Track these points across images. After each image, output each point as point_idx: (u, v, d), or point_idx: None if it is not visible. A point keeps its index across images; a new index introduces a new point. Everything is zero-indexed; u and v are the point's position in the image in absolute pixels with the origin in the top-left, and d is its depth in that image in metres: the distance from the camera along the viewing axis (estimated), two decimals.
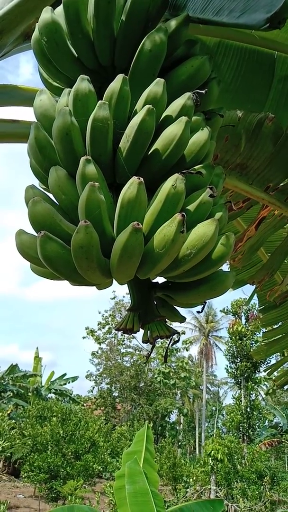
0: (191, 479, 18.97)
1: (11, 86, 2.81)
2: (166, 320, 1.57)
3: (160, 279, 1.65)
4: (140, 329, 1.55)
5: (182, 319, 1.69)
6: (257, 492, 18.79)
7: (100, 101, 1.37)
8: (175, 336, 1.54)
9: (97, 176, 1.36)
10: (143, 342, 1.49)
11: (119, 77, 1.43)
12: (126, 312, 1.57)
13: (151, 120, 1.35)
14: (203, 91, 1.49)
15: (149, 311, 1.53)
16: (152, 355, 36.18)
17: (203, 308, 1.74)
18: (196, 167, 1.47)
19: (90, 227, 1.23)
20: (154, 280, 1.64)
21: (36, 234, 1.54)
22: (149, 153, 1.44)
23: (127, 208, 1.28)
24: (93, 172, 1.36)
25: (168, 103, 1.52)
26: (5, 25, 2.29)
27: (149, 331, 1.47)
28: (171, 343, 1.51)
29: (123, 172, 1.43)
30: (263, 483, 19.24)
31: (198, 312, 1.74)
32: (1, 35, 2.33)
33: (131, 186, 1.26)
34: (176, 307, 1.64)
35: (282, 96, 3.24)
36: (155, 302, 1.60)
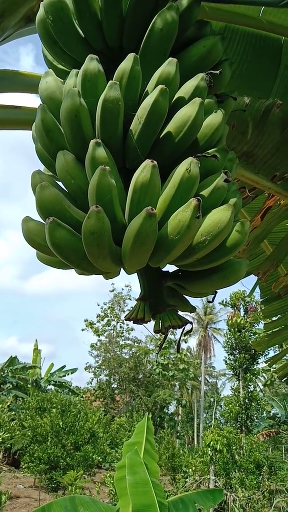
0: (190, 469, 19.13)
1: (12, 71, 2.74)
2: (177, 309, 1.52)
3: (170, 268, 1.61)
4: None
5: (192, 309, 1.65)
6: (255, 482, 18.97)
7: (110, 81, 1.31)
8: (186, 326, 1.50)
9: (107, 159, 1.30)
10: (154, 332, 1.45)
11: (130, 56, 1.37)
12: (135, 301, 1.53)
13: (164, 101, 1.29)
14: (217, 72, 1.43)
15: (160, 301, 1.48)
16: (150, 347, 36.32)
17: (213, 298, 1.70)
18: (209, 150, 1.41)
19: (102, 212, 1.18)
20: (164, 269, 1.59)
21: (42, 221, 1.49)
22: (161, 136, 1.38)
23: (140, 193, 1.22)
24: (103, 155, 1.30)
25: (179, 85, 1.46)
26: (6, 7, 2.22)
27: (160, 321, 1.43)
28: (183, 333, 1.47)
29: (134, 155, 1.37)
30: (262, 473, 19.43)
31: (209, 301, 1.69)
32: (2, 18, 2.26)
33: (144, 170, 1.21)
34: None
35: None
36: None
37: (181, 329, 1.50)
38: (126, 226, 1.31)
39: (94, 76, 1.39)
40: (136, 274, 1.59)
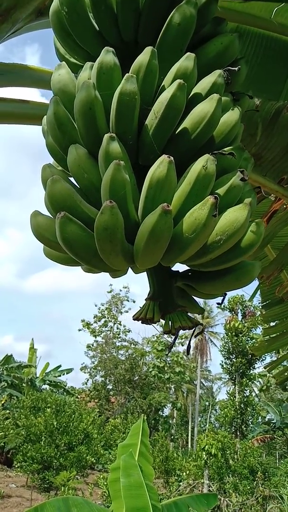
0: (183, 473, 19.05)
1: (21, 65, 2.71)
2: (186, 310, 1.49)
3: (180, 268, 1.58)
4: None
5: (201, 310, 1.62)
6: (249, 487, 18.91)
7: (127, 74, 1.28)
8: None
9: (121, 154, 1.27)
10: (164, 333, 1.41)
11: (148, 49, 1.34)
12: (145, 300, 1.50)
13: (182, 96, 1.26)
14: (235, 69, 1.40)
15: (169, 301, 1.45)
16: (147, 349, 36.24)
17: (223, 300, 1.67)
18: (225, 148, 1.38)
19: (116, 208, 1.15)
20: (174, 269, 1.56)
21: (51, 216, 1.45)
22: (177, 132, 1.35)
23: (156, 189, 1.19)
24: (117, 150, 1.27)
25: (195, 81, 1.43)
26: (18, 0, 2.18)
27: (170, 322, 1.39)
28: (194, 335, 1.43)
29: (149, 151, 1.34)
30: (256, 479, 19.36)
31: (218, 303, 1.66)
32: (14, 9, 2.22)
33: (161, 165, 1.18)
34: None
35: None
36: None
37: (189, 331, 1.47)
38: (138, 223, 1.27)
39: (110, 68, 1.36)
40: (136, 275, 1.56)
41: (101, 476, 15.83)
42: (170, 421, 38.84)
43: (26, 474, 18.22)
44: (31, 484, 18.15)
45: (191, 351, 45.08)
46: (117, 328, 36.46)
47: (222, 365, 28.94)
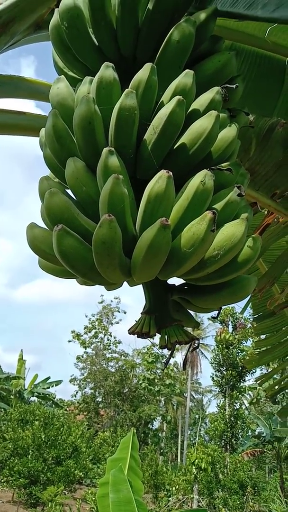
0: (173, 488, 18.79)
1: (18, 77, 2.72)
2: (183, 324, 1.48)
3: (176, 281, 1.57)
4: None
5: (197, 325, 1.61)
6: (238, 502, 18.70)
7: (127, 90, 1.29)
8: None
9: (120, 168, 1.28)
10: (160, 347, 1.40)
11: (147, 65, 1.36)
12: (140, 314, 1.49)
13: (181, 112, 1.28)
14: (233, 86, 1.42)
15: (165, 315, 1.44)
16: (137, 361, 35.97)
17: (218, 313, 1.67)
18: (223, 164, 1.39)
19: (114, 221, 1.15)
20: (170, 282, 1.56)
21: (48, 228, 1.45)
22: (175, 146, 1.36)
23: (154, 203, 1.19)
24: (116, 164, 1.27)
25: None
26: (17, 13, 2.21)
27: (166, 336, 1.39)
28: (190, 350, 1.43)
29: (147, 165, 1.35)
30: (246, 493, 19.17)
31: (213, 317, 1.66)
32: (13, 23, 2.24)
33: (160, 180, 1.18)
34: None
35: None
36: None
37: (176, 346, 1.46)
38: (136, 237, 1.28)
39: (110, 84, 1.38)
40: (128, 287, 1.55)
41: (89, 491, 15.53)
42: (160, 435, 38.42)
43: (12, 489, 17.80)
44: (17, 499, 17.72)
45: (181, 363, 44.85)
46: (108, 340, 36.20)
47: (213, 378, 28.84)
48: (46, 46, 2.08)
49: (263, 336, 5.78)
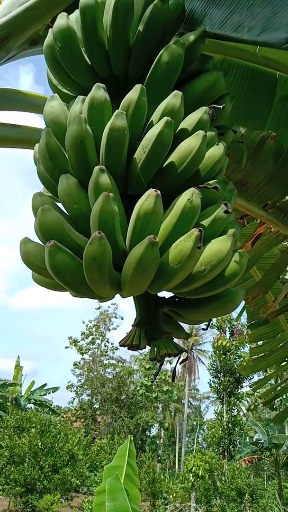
0: (170, 496, 18.67)
1: (13, 90, 2.77)
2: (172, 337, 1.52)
3: (166, 294, 1.61)
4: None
5: (187, 336, 1.65)
6: (236, 510, 18.60)
7: (117, 110, 1.34)
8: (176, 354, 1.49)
9: (111, 186, 1.32)
10: (150, 359, 1.44)
11: (137, 87, 1.41)
12: (131, 327, 1.53)
13: (169, 132, 1.32)
14: (220, 106, 1.48)
15: (155, 328, 1.48)
16: (135, 367, 35.86)
17: (208, 325, 1.71)
18: (210, 182, 1.44)
19: (104, 238, 1.19)
20: (160, 295, 1.60)
21: (41, 243, 1.49)
22: (164, 165, 1.41)
23: (143, 221, 1.24)
24: (107, 182, 1.32)
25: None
26: (13, 29, 2.26)
27: (156, 349, 1.42)
28: (178, 362, 1.46)
29: (137, 183, 1.39)
30: (244, 501, 19.07)
31: (204, 329, 1.70)
32: (8, 39, 2.29)
33: (148, 198, 1.23)
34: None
35: (283, 114, 3.28)
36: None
37: (176, 357, 1.50)
38: (126, 252, 1.32)
39: (101, 104, 1.42)
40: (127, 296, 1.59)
41: (86, 499, 15.43)
42: (157, 442, 38.23)
43: (8, 497, 17.64)
44: (13, 508, 17.56)
45: (180, 370, 44.74)
46: (105, 346, 36.11)
47: (210, 384, 28.78)
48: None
49: (258, 343, 5.82)
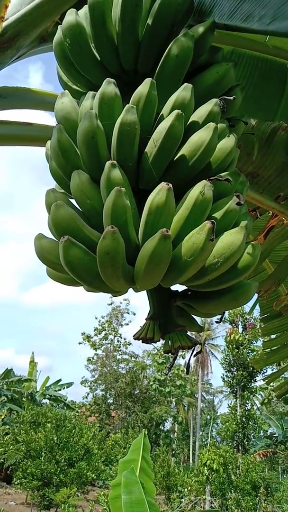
0: (185, 489, 18.77)
1: (24, 88, 2.79)
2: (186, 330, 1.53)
3: (179, 287, 1.62)
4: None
5: (200, 329, 1.66)
6: (251, 503, 18.62)
7: (128, 105, 1.35)
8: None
9: (122, 181, 1.33)
10: (164, 352, 1.45)
11: (147, 81, 1.41)
12: (144, 320, 1.54)
13: (180, 126, 1.33)
14: (231, 98, 1.47)
15: (169, 321, 1.49)
16: (147, 362, 35.98)
17: (221, 318, 1.71)
18: (222, 174, 1.44)
19: (117, 233, 1.20)
20: (173, 288, 1.60)
21: (55, 239, 1.51)
22: (175, 158, 1.41)
23: (155, 215, 1.25)
24: (118, 176, 1.33)
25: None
26: (22, 27, 2.27)
27: (170, 341, 1.43)
28: (192, 354, 1.47)
29: (149, 177, 1.40)
30: (258, 494, 19.07)
31: (217, 322, 1.70)
32: (18, 37, 2.31)
33: (160, 192, 1.23)
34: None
35: None
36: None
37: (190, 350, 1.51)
38: (139, 246, 1.33)
39: (111, 99, 1.43)
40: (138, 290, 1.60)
41: (102, 492, 15.60)
42: (171, 436, 38.38)
43: (25, 491, 17.95)
44: (30, 501, 17.88)
45: (192, 364, 44.77)
46: (118, 341, 36.28)
47: (223, 378, 28.75)
48: (53, 54, 2.13)
49: (272, 336, 5.79)
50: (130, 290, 1.63)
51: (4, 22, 2.23)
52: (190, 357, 1.50)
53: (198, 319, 1.68)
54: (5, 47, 2.30)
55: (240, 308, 28.21)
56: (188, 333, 1.52)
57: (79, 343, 36.22)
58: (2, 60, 2.32)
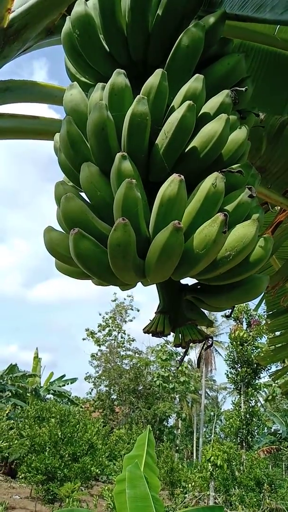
0: (189, 485, 18.83)
1: (31, 82, 2.77)
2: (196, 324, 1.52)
3: (189, 281, 1.61)
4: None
5: (210, 323, 1.64)
6: (255, 500, 18.65)
7: (138, 96, 1.33)
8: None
9: (133, 172, 1.32)
10: (175, 346, 1.44)
11: (158, 71, 1.39)
12: (155, 314, 1.53)
13: (191, 117, 1.31)
14: (243, 89, 1.45)
15: (179, 314, 1.48)
16: (151, 358, 36.05)
17: (231, 312, 1.70)
18: (233, 166, 1.42)
19: (128, 225, 1.19)
20: (183, 282, 1.59)
21: (64, 232, 1.50)
22: (187, 150, 1.39)
23: (167, 206, 1.23)
24: (129, 168, 1.31)
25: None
26: (29, 20, 2.25)
27: (180, 335, 1.42)
28: (204, 348, 1.46)
29: (160, 169, 1.38)
30: (262, 491, 19.09)
31: (227, 316, 1.69)
32: (25, 29, 2.29)
33: (172, 184, 1.22)
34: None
35: None
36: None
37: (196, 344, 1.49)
38: (149, 239, 1.31)
39: (121, 90, 1.41)
40: (141, 285, 1.59)
41: (106, 487, 15.68)
42: (175, 432, 38.48)
43: (30, 485, 18.07)
44: (35, 495, 17.99)
45: (195, 360, 44.76)
46: (121, 337, 36.35)
47: (227, 375, 28.74)
48: (58, 49, 2.12)
49: (277, 333, 5.78)
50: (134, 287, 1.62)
51: (11, 14, 2.21)
52: (201, 350, 1.49)
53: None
54: (12, 40, 2.28)
55: (244, 304, 28.14)
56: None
57: (83, 339, 36.36)
58: (8, 53, 2.30)
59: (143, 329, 1.51)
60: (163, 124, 1.38)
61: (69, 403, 29.04)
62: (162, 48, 1.62)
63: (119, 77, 1.43)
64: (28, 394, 27.17)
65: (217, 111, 1.41)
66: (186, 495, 17.99)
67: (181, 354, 1.50)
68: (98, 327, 36.08)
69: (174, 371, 34.17)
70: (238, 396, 28.10)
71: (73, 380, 30.29)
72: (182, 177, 1.22)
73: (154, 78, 1.39)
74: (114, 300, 36.44)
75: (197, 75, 1.42)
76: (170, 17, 1.56)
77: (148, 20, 1.58)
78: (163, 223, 1.22)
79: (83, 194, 1.56)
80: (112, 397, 35.32)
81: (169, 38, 1.59)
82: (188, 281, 1.58)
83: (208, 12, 1.69)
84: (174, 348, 30.81)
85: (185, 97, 1.38)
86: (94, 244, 1.30)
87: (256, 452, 23.49)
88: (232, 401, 29.68)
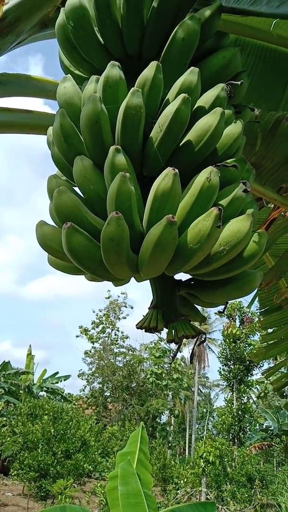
0: (181, 481, 18.92)
1: (25, 76, 2.74)
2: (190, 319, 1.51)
3: (183, 276, 1.60)
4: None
5: (203, 319, 1.64)
6: (246, 495, 18.79)
7: (133, 88, 1.31)
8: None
9: (127, 166, 1.30)
10: (168, 341, 1.43)
11: (153, 64, 1.37)
12: (148, 309, 1.51)
13: (186, 110, 1.29)
14: (238, 82, 1.44)
15: (172, 310, 1.47)
16: (145, 355, 36.11)
17: (225, 308, 1.69)
18: (228, 160, 1.41)
19: (122, 219, 1.17)
20: (177, 277, 1.58)
21: (57, 226, 1.48)
22: (181, 144, 1.38)
23: (161, 201, 1.22)
24: (123, 162, 1.29)
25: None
26: (22, 12, 2.22)
27: (173, 331, 1.41)
28: (197, 343, 1.45)
29: (154, 163, 1.37)
30: (253, 486, 19.24)
31: (220, 312, 1.68)
32: (18, 22, 2.26)
33: (166, 177, 1.20)
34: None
35: None
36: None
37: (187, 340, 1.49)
38: (143, 233, 1.30)
39: (116, 82, 1.39)
40: (135, 282, 1.58)
41: (99, 484, 15.71)
42: (168, 428, 38.62)
43: (22, 482, 18.04)
44: (27, 492, 17.97)
45: (189, 357, 44.87)
46: (115, 335, 36.35)
47: (220, 372, 28.89)
48: (54, 44, 2.09)
49: (270, 330, 5.81)
50: (128, 283, 1.60)
51: (4, 6, 2.18)
52: (195, 346, 1.48)
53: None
54: (5, 32, 2.25)
55: (237, 302, 28.26)
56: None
57: (77, 336, 36.28)
58: (2, 45, 2.27)
59: (136, 325, 1.50)
60: (157, 117, 1.36)
61: (62, 400, 28.99)
62: (157, 41, 1.60)
63: (113, 70, 1.41)
64: (21, 392, 27.10)
65: (212, 105, 1.39)
66: (178, 491, 18.08)
67: (174, 351, 1.49)
68: (91, 324, 36.05)
69: (167, 368, 34.26)
70: (231, 393, 28.27)
71: (66, 377, 30.26)
72: (177, 170, 1.21)
73: (149, 71, 1.37)
74: (108, 298, 36.42)
75: (192, 68, 1.40)
76: (166, 9, 1.54)
77: (143, 13, 1.56)
78: (157, 217, 1.21)
79: (76, 188, 1.54)
80: (105, 394, 35.35)
81: (164, 31, 1.57)
82: (182, 276, 1.57)
83: (204, 4, 1.67)
84: (167, 345, 30.93)
85: (180, 90, 1.37)
86: (87, 238, 1.28)
87: (247, 448, 23.65)
88: (224, 398, 29.85)
